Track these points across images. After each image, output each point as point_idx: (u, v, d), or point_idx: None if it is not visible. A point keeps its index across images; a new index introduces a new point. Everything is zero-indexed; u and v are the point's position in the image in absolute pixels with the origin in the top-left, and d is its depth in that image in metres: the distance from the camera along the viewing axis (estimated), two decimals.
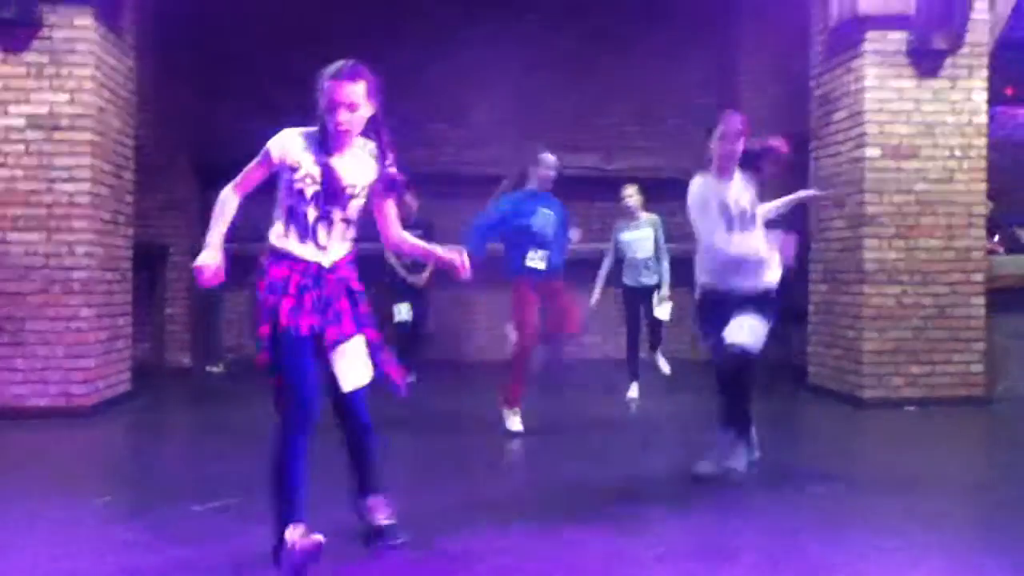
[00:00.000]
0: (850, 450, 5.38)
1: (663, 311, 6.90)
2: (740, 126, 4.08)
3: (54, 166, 5.90)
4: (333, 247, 3.03)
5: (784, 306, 8.26)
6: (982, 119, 6.62)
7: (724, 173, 4.15)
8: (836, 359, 6.93)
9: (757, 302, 4.11)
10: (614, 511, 3.76)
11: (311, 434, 2.91)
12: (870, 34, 6.52)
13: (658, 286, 6.90)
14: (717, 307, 4.18)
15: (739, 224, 4.10)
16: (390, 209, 3.21)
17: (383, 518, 3.19)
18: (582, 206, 9.64)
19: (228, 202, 2.98)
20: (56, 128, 5.91)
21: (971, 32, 6.49)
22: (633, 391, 6.96)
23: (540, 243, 5.43)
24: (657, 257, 6.90)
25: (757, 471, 4.37)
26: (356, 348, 3.04)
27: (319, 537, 2.79)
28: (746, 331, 4.06)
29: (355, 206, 3.06)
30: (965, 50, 6.52)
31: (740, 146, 4.09)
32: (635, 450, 5.18)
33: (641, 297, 6.99)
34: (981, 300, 6.59)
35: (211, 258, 2.88)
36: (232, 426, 5.76)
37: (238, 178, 3.01)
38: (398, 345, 8.21)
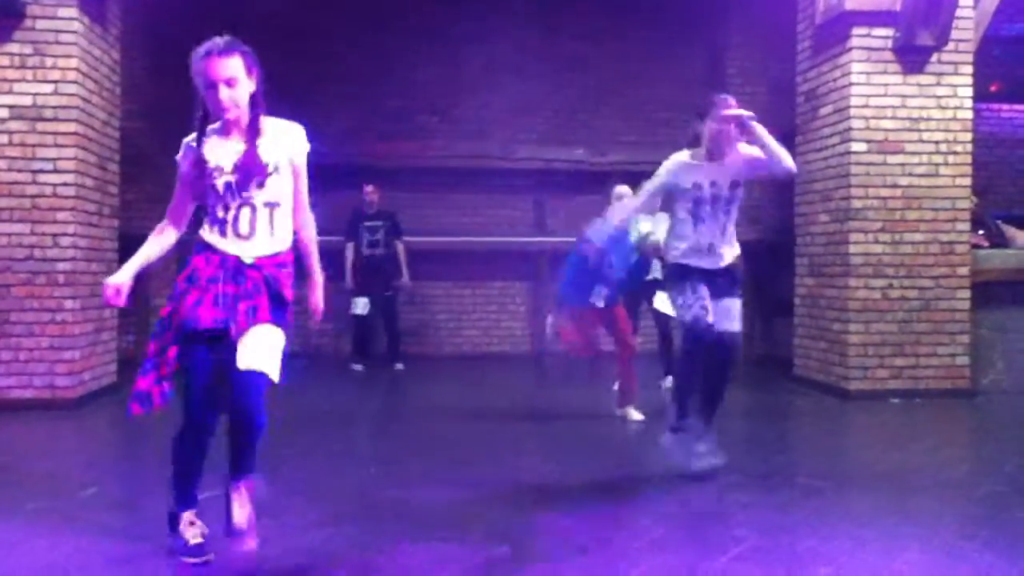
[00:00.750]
0: (835, 442, 5.42)
1: (667, 304, 6.76)
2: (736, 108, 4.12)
3: (38, 157, 5.86)
4: (258, 238, 2.89)
5: (769, 299, 8.21)
6: (967, 115, 6.67)
7: (714, 155, 4.18)
8: (822, 351, 6.97)
9: (730, 278, 4.19)
10: (601, 502, 3.77)
11: (208, 432, 3.02)
12: (856, 30, 6.55)
13: (659, 282, 6.73)
14: (689, 275, 4.16)
15: (720, 205, 4.15)
16: (298, 190, 3.03)
17: (236, 519, 2.98)
18: (570, 199, 9.67)
19: (158, 233, 3.03)
20: (40, 119, 5.87)
21: (956, 29, 6.52)
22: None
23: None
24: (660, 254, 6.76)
25: (742, 462, 4.40)
26: (265, 334, 2.86)
27: (197, 540, 2.96)
28: (733, 317, 4.17)
29: (274, 186, 2.90)
30: (950, 46, 6.56)
31: (734, 130, 4.13)
32: (623, 442, 5.20)
33: (642, 294, 6.84)
34: (966, 293, 6.65)
35: (117, 279, 2.88)
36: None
37: (170, 205, 3.04)
38: (354, 337, 8.13)
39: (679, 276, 4.19)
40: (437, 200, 9.42)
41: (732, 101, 4.16)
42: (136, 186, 8.39)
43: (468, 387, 7.27)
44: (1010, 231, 7.59)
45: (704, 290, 4.11)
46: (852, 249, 6.56)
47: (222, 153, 2.88)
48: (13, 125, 5.85)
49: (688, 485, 4.06)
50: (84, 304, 6.06)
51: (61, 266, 5.88)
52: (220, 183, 2.87)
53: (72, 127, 5.90)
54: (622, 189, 6.68)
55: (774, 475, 4.27)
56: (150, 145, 8.59)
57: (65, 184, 5.90)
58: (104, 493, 3.84)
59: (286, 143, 2.94)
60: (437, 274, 9.20)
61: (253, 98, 2.88)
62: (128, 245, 7.21)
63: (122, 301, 2.89)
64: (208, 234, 2.92)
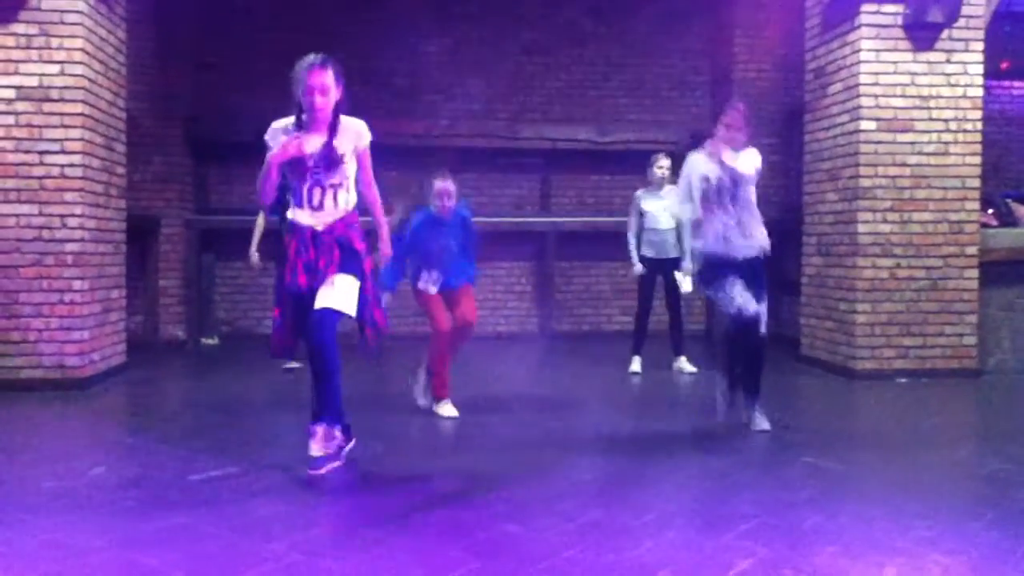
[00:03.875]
0: (842, 422, 5.42)
1: (687, 283, 6.70)
2: (743, 116, 4.68)
3: (45, 138, 5.86)
4: (327, 210, 3.72)
5: (777, 278, 8.24)
6: (977, 92, 6.62)
7: (726, 153, 4.67)
8: (829, 331, 6.96)
9: (758, 269, 4.71)
10: (606, 479, 3.79)
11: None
12: (865, 7, 6.49)
13: (679, 259, 6.68)
14: (722, 269, 4.67)
15: (738, 196, 4.69)
16: (364, 171, 3.88)
17: (314, 449, 3.70)
18: (576, 179, 9.66)
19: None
20: (46, 100, 5.86)
21: (967, 5, 6.46)
22: (635, 365, 6.85)
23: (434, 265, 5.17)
24: (678, 230, 6.67)
25: (749, 441, 4.41)
26: (342, 282, 3.67)
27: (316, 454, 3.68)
28: (761, 303, 4.68)
29: (341, 172, 3.73)
30: (961, 23, 6.50)
31: (743, 134, 4.68)
32: (630, 420, 5.21)
33: (660, 270, 6.79)
34: (974, 273, 6.62)
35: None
36: (227, 397, 5.78)
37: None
38: None
39: (709, 269, 4.72)
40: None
41: (743, 109, 4.70)
42: (145, 167, 8.41)
43: (474, 366, 7.27)
44: (1019, 210, 7.55)
45: (726, 283, 4.63)
46: (860, 228, 6.54)
47: (310, 144, 3.69)
48: (20, 106, 5.85)
49: (693, 463, 4.08)
50: (92, 284, 6.09)
51: (69, 247, 5.90)
52: (305, 165, 3.69)
53: (79, 108, 5.90)
54: (662, 161, 6.80)
55: (780, 453, 4.28)
56: (156, 125, 8.60)
57: (72, 165, 5.90)
58: (113, 472, 3.87)
59: (352, 137, 3.76)
60: None
61: (337, 103, 3.72)
62: (135, 225, 7.29)
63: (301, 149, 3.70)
64: (292, 211, 3.79)
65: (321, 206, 3.72)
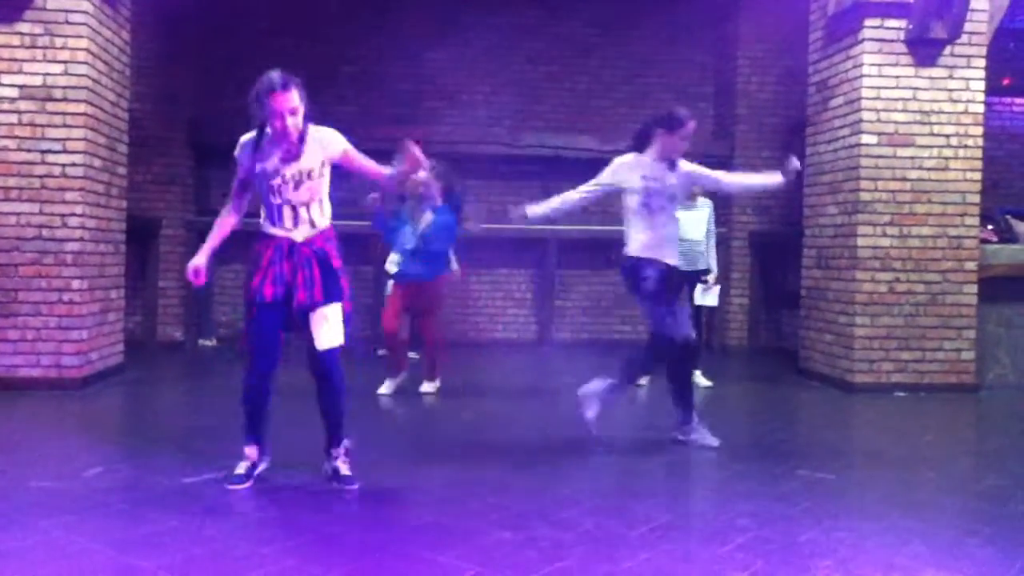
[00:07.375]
0: (839, 435, 5.42)
1: (712, 297, 6.67)
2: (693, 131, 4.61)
3: (47, 137, 5.87)
4: (302, 226, 3.58)
5: (776, 291, 8.20)
6: (979, 108, 6.63)
7: (671, 164, 4.59)
8: (827, 344, 6.96)
9: (688, 285, 4.62)
10: (603, 489, 3.79)
11: (271, 377, 3.64)
12: (869, 21, 6.51)
13: (706, 271, 6.62)
14: (669, 284, 4.49)
15: (674, 209, 4.60)
16: (357, 162, 3.68)
17: (341, 467, 3.71)
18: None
19: (222, 218, 3.68)
20: (49, 99, 5.87)
21: (970, 21, 6.47)
22: (641, 379, 6.72)
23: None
24: (707, 241, 6.63)
25: (746, 453, 4.40)
26: (333, 313, 3.58)
27: (239, 471, 3.65)
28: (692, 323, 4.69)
29: (308, 190, 3.56)
30: (963, 39, 6.51)
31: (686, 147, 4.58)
32: (628, 431, 5.20)
33: (686, 282, 6.55)
34: (973, 288, 6.63)
35: (195, 260, 3.60)
36: (223, 399, 5.75)
37: (231, 194, 3.68)
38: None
39: (663, 283, 4.44)
40: None
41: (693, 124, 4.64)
42: (146, 168, 8.41)
43: (473, 372, 7.28)
44: (1019, 226, 7.56)
45: (673, 300, 4.49)
46: (860, 242, 6.54)
47: (275, 161, 3.55)
48: (23, 105, 5.85)
49: (689, 474, 4.08)
50: (92, 284, 6.08)
51: (69, 246, 5.90)
52: (271, 185, 3.57)
53: (81, 108, 5.90)
54: None
55: (777, 467, 4.28)
56: (159, 126, 8.61)
57: (74, 164, 5.90)
58: (108, 473, 3.86)
59: (318, 149, 3.58)
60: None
61: (305, 116, 3.55)
62: (136, 225, 7.29)
63: (203, 280, 3.63)
64: (264, 225, 3.62)
65: (296, 225, 3.57)
